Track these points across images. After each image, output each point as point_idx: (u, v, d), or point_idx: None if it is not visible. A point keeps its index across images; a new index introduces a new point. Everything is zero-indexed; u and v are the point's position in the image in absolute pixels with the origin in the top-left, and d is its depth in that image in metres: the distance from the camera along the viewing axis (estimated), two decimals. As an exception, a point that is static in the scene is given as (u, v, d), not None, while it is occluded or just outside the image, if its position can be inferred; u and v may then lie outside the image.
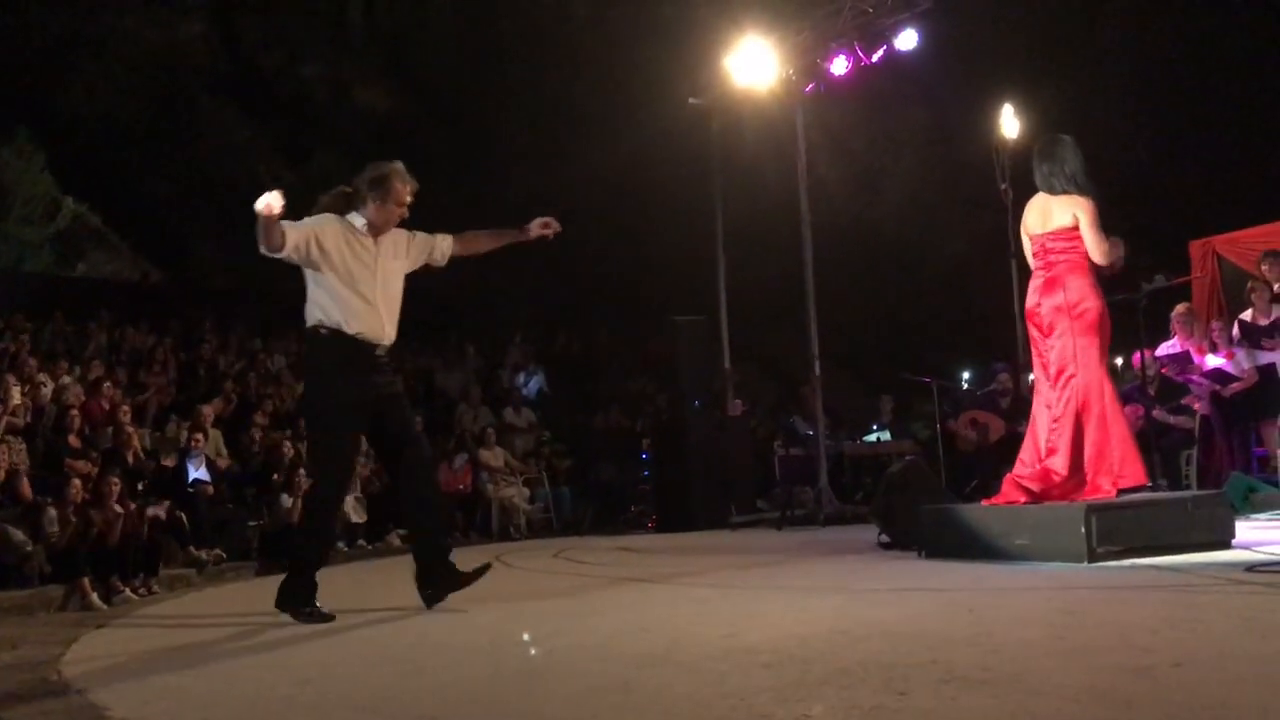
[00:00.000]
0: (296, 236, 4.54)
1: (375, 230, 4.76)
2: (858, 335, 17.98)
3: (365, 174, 4.77)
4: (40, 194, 23.43)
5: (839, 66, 10.78)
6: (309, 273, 4.70)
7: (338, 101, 26.03)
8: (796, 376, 13.50)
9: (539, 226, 5.04)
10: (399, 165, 4.80)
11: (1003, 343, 10.69)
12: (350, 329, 4.64)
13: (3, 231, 22.91)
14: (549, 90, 21.01)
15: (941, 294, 19.35)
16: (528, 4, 23.22)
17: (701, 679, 2.85)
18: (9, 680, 3.61)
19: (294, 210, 4.43)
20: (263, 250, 4.47)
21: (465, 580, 4.74)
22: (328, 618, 4.53)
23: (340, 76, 26.48)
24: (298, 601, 4.57)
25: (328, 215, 4.73)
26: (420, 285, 5.09)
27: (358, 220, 4.76)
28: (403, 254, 4.89)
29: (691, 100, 12.14)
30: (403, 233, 4.91)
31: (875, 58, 10.65)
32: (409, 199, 4.80)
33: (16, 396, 9.50)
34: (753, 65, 11.02)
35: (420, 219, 4.94)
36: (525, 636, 3.81)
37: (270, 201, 4.24)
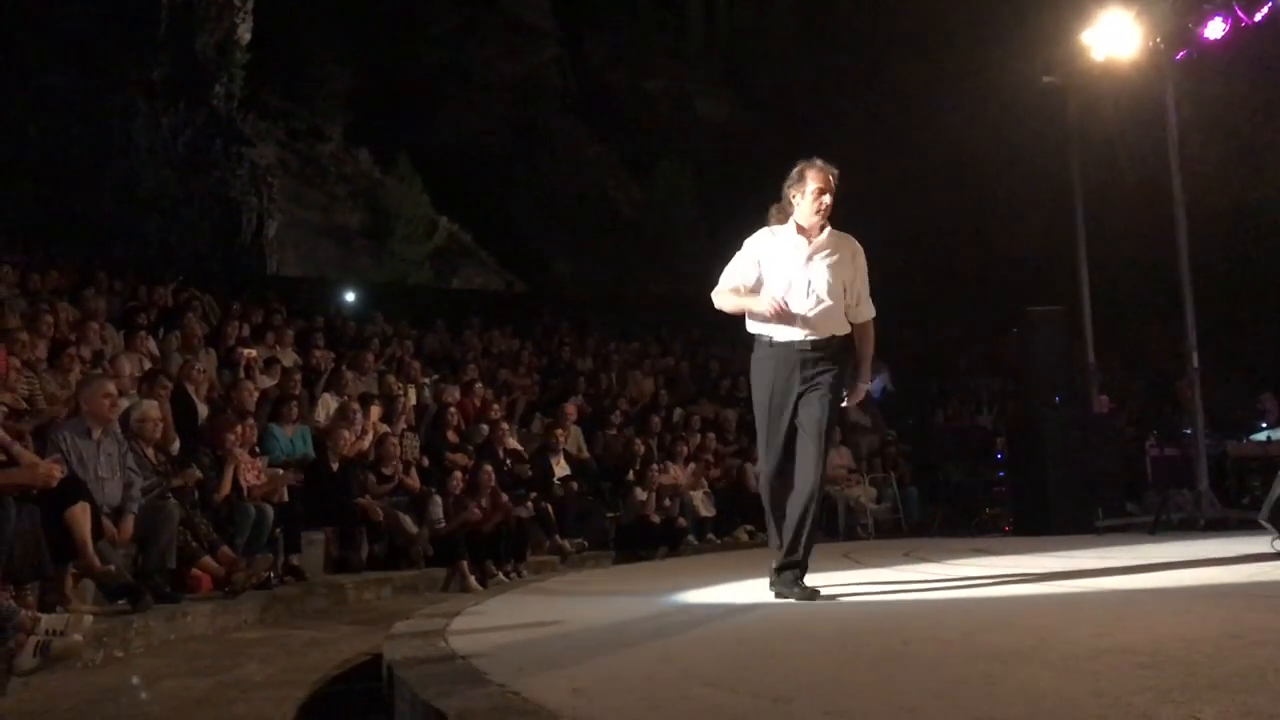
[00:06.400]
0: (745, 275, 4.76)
1: (802, 229, 4.74)
2: (1240, 326, 16.29)
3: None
4: (419, 215, 25.88)
5: (1214, 30, 9.84)
6: None
7: (679, 113, 26.80)
8: (1169, 371, 12.44)
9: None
10: (814, 159, 4.71)
11: None
12: (778, 336, 4.71)
13: (389, 250, 25.50)
14: (890, 85, 20.60)
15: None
16: (866, 4, 22.91)
17: (1071, 677, 2.68)
18: (405, 647, 3.97)
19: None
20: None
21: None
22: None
23: (681, 89, 27.27)
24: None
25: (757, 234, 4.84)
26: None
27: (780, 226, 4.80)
28: (847, 260, 4.80)
29: (1045, 79, 11.47)
30: (851, 246, 4.85)
31: (1258, 17, 9.64)
32: (815, 185, 4.67)
33: (413, 397, 10.54)
34: (1114, 37, 10.29)
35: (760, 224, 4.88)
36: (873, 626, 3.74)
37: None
